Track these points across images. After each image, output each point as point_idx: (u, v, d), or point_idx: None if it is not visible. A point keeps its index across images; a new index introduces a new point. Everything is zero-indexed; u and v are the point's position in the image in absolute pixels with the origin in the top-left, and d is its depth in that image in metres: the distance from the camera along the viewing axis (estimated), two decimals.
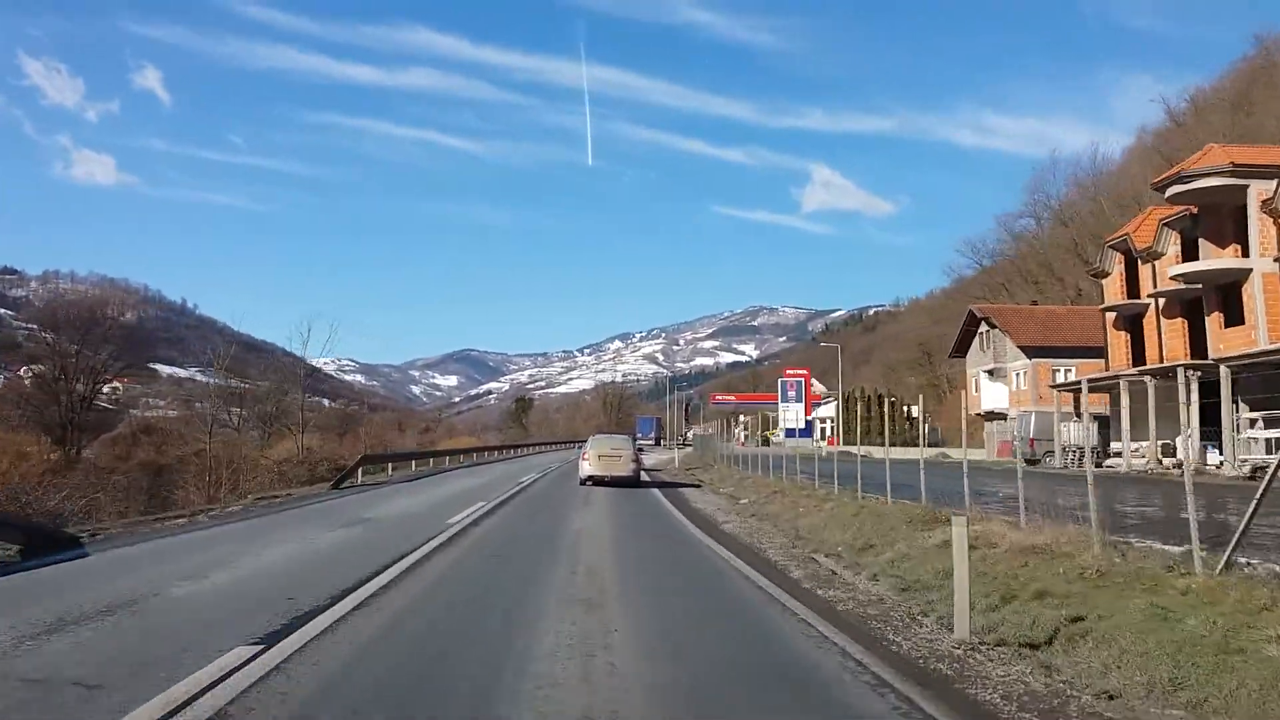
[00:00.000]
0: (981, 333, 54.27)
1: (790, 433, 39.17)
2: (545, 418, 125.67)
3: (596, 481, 24.43)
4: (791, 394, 44.65)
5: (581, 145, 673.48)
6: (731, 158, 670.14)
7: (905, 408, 66.43)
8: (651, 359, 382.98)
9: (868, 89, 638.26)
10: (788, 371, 54.56)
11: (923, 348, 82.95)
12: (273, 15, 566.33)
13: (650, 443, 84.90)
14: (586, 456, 25.27)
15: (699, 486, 27.99)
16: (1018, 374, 50.46)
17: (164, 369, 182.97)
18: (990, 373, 53.26)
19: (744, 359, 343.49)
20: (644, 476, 28.49)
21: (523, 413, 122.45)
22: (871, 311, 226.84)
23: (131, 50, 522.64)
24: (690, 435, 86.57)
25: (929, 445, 44.54)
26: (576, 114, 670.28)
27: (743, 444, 49.36)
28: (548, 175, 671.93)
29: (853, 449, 30.26)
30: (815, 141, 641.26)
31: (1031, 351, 48.82)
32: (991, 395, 52.60)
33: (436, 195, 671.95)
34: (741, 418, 64.43)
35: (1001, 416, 49.58)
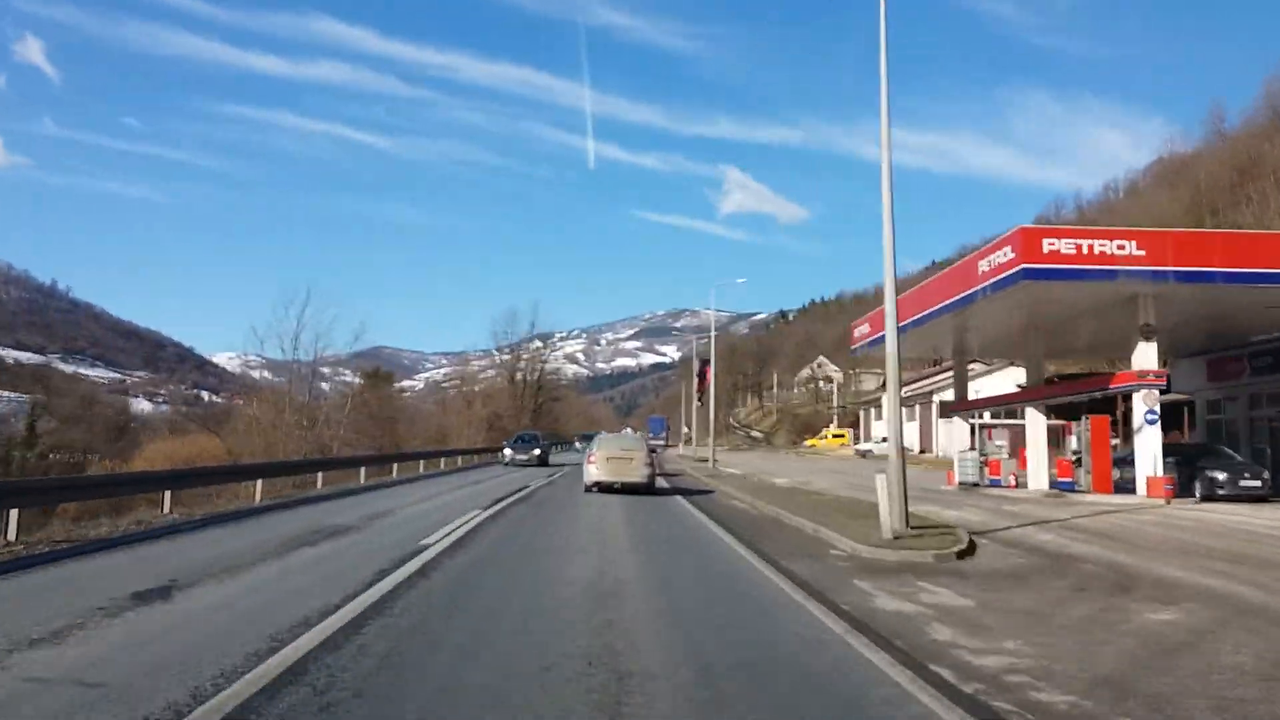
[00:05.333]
0: None
1: None
2: (418, 409, 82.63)
3: (604, 488, 21.56)
4: None
5: (492, 143, 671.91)
6: (647, 163, 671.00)
7: None
8: (572, 359, 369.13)
9: (776, 99, 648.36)
10: None
11: None
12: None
13: (661, 443, 71.89)
14: (593, 459, 22.32)
15: None
16: None
17: (11, 354, 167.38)
18: None
19: (666, 359, 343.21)
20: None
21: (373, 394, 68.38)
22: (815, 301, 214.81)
23: (12, 21, 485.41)
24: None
25: None
26: (488, 112, 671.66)
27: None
28: (460, 173, 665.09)
29: None
30: (727, 149, 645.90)
31: None
32: None
33: (347, 190, 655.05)
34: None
35: None
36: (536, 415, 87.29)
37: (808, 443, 77.82)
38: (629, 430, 79.85)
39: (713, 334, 37.82)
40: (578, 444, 62.19)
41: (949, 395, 63.79)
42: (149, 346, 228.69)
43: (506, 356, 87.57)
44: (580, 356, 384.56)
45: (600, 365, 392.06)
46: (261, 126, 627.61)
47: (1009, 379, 61.37)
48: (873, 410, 74.40)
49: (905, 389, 69.04)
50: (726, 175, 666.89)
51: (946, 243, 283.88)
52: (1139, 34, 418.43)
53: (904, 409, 58.20)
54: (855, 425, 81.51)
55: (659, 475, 26.77)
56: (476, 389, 74.67)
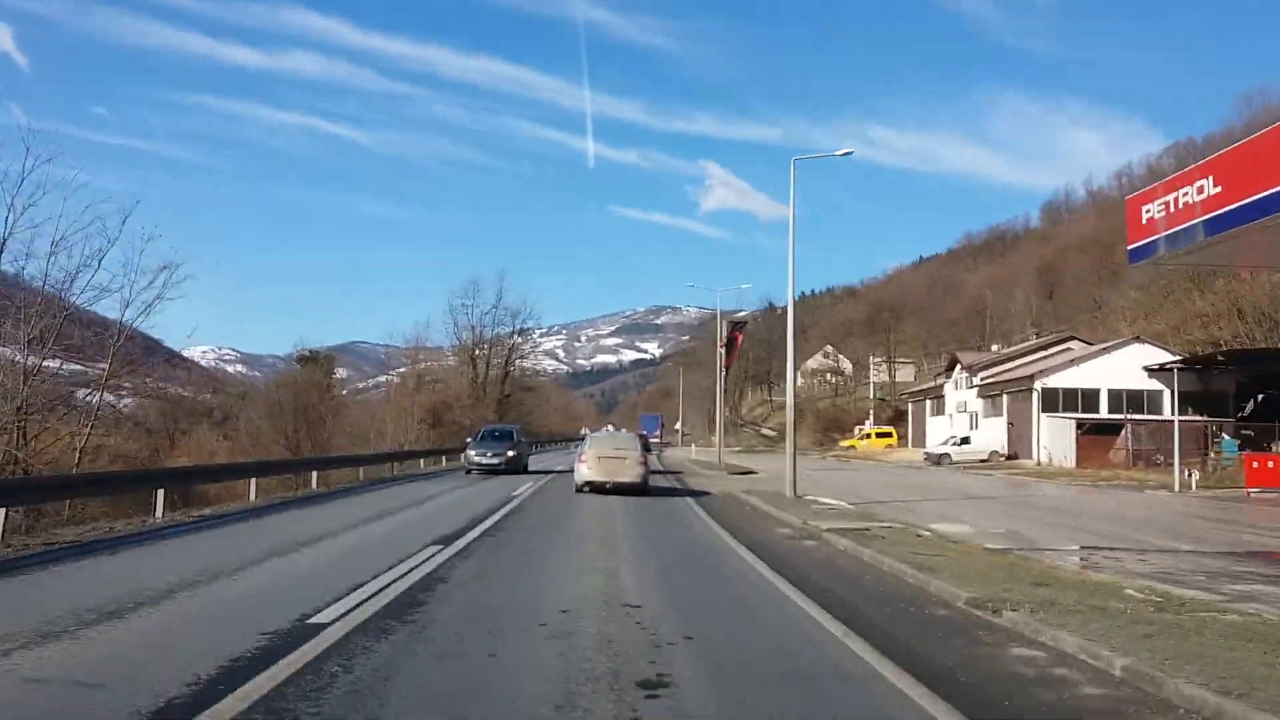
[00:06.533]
0: None
1: None
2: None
3: (595, 488, 20.01)
4: None
5: (470, 138, 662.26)
6: (627, 160, 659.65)
7: None
8: (552, 355, 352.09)
9: (755, 97, 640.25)
10: None
11: None
12: None
13: (655, 440, 61.82)
14: (584, 458, 20.68)
15: None
16: None
17: None
18: None
19: (647, 356, 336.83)
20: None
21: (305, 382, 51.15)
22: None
23: None
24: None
25: None
26: (465, 106, 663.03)
27: None
28: (436, 168, 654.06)
29: None
30: (708, 146, 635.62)
31: None
32: None
33: (321, 185, 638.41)
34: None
35: None
36: (503, 408, 70.77)
37: (843, 443, 61.74)
38: (610, 427, 63.52)
39: (791, 249, 20.75)
40: (472, 451, 28.04)
41: (1057, 380, 48.03)
42: (115, 338, 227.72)
43: (466, 337, 70.84)
44: (560, 353, 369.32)
45: (580, 362, 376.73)
46: (233, 117, 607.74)
47: (1135, 358, 45.68)
48: (928, 404, 58.43)
49: (981, 374, 53.20)
50: (707, 171, 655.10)
51: (928, 243, 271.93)
52: (1113, 36, 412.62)
53: (982, 401, 42.07)
54: (894, 422, 65.95)
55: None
56: (418, 375, 57.83)
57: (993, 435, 46.71)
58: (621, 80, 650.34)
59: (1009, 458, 45.41)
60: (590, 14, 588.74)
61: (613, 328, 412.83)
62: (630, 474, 19.91)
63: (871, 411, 66.46)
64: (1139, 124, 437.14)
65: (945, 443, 46.21)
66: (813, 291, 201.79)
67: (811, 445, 68.11)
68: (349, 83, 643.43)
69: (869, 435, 60.61)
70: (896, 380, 73.24)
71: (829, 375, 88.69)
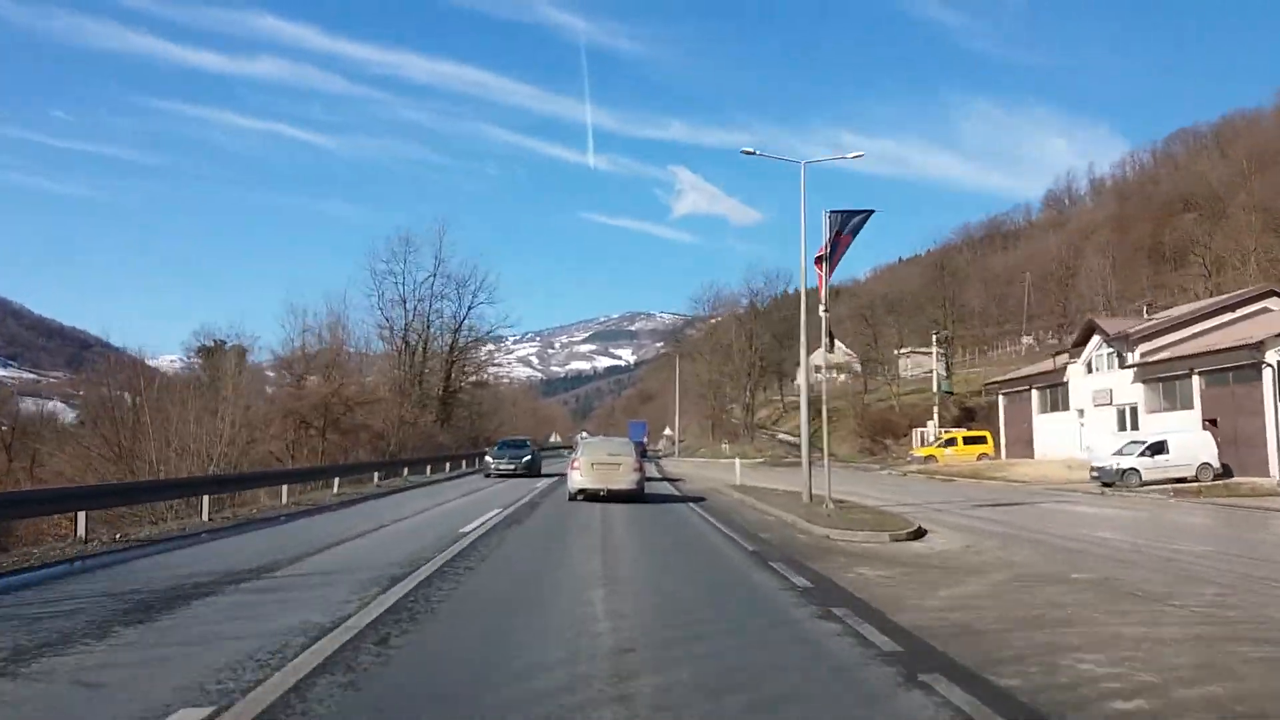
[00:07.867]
0: None
1: None
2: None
3: (589, 496, 19.16)
4: None
5: (436, 142, 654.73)
6: (598, 164, 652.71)
7: None
8: (525, 362, 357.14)
9: (726, 103, 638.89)
10: None
11: None
12: None
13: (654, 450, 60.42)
14: (577, 465, 19.80)
15: None
16: None
17: None
18: None
19: (622, 363, 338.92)
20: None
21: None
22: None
23: None
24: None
25: None
26: (433, 110, 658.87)
27: None
28: (405, 172, 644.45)
29: None
30: (678, 152, 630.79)
31: None
32: None
33: (287, 189, 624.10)
34: None
35: None
36: (447, 407, 53.48)
37: (918, 452, 44.89)
38: (585, 433, 52.15)
39: None
40: None
41: None
42: (73, 346, 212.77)
43: (396, 314, 53.79)
44: (534, 360, 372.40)
45: (554, 369, 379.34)
46: (198, 122, 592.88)
47: None
48: (1034, 396, 41.40)
49: (1142, 348, 36.91)
50: (678, 176, 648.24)
51: (905, 245, 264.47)
52: (1082, 42, 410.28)
53: (1145, 388, 24.94)
54: (961, 422, 49.78)
55: None
56: (305, 360, 40.37)
57: (1188, 440, 29.95)
58: (593, 85, 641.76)
59: (1220, 476, 28.86)
60: (562, 19, 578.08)
61: (587, 334, 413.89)
62: (624, 481, 19.15)
63: (936, 410, 50.09)
64: (1104, 130, 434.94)
65: (1124, 451, 29.43)
66: (798, 290, 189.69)
67: (858, 454, 51.56)
68: (315, 87, 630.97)
69: (953, 441, 43.92)
70: (952, 371, 57.33)
71: (858, 366, 72.45)
